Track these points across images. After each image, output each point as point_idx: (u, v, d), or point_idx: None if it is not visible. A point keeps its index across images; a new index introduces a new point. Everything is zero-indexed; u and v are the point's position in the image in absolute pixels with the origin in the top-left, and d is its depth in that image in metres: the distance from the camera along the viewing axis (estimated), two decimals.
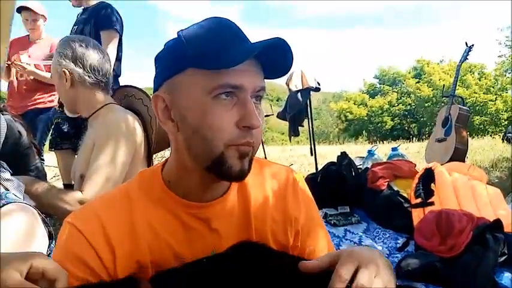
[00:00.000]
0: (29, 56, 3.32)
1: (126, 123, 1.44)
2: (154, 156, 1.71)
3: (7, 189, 1.06)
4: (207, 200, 0.78)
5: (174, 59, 0.72)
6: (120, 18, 2.73)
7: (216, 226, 0.78)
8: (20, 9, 3.28)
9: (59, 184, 2.84)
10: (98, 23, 2.67)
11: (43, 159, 3.51)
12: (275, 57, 0.71)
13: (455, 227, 1.97)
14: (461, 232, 1.94)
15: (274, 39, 0.68)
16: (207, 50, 0.69)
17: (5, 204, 1.00)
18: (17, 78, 3.34)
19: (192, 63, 0.69)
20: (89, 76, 1.45)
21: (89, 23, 2.70)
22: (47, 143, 3.46)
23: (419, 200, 2.38)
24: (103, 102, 1.50)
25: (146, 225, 0.75)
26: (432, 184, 2.46)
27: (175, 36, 0.74)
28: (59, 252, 0.73)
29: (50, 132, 3.04)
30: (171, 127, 0.74)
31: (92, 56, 1.47)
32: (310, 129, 4.19)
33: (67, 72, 1.44)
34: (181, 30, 0.74)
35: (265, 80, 0.74)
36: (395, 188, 2.63)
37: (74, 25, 2.83)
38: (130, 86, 1.63)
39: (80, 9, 2.89)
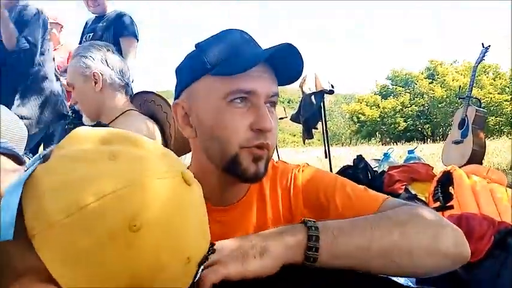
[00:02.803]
0: None
1: (146, 129, 1.45)
2: None
3: None
4: (226, 203, 0.81)
5: (192, 68, 0.77)
6: (136, 25, 2.86)
7: (235, 229, 0.79)
8: None
9: None
10: (118, 30, 2.78)
11: None
12: (286, 62, 0.74)
13: (475, 231, 1.94)
14: (482, 237, 1.91)
15: (284, 44, 0.71)
16: (220, 57, 0.74)
17: None
18: None
19: (208, 71, 0.74)
20: (118, 78, 1.47)
21: (108, 30, 2.81)
22: None
23: (437, 204, 2.35)
24: (124, 108, 1.51)
25: None
26: (451, 187, 2.43)
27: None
28: None
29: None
30: (190, 132, 0.79)
31: (117, 59, 1.50)
32: (324, 132, 4.17)
33: (97, 74, 1.45)
34: (199, 42, 0.79)
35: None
36: (413, 192, 2.61)
37: (89, 32, 2.90)
38: (149, 92, 1.64)
39: (89, 17, 3.00)
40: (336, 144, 19.03)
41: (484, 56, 3.88)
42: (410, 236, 0.66)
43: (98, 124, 1.60)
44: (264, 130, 0.72)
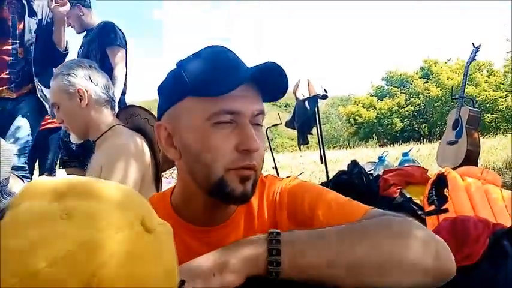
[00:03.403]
0: None
1: (134, 145, 1.45)
2: (163, 174, 1.71)
3: None
4: (213, 224, 0.79)
5: (174, 88, 0.75)
6: (123, 33, 2.84)
7: None
8: None
9: None
10: (102, 42, 2.78)
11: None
12: (271, 80, 0.72)
13: (471, 234, 1.93)
14: (478, 239, 1.90)
15: (267, 63, 0.70)
16: (203, 78, 0.72)
17: None
18: None
19: (190, 92, 0.72)
20: (102, 93, 1.47)
21: (93, 43, 2.82)
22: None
23: (432, 207, 2.34)
24: (110, 123, 1.50)
25: None
26: (446, 190, 2.42)
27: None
28: None
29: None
30: (174, 154, 0.77)
31: (101, 75, 1.50)
32: (319, 137, 4.17)
33: (82, 90, 1.44)
34: (180, 60, 0.77)
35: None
36: (408, 195, 2.60)
37: (80, 47, 2.91)
38: (136, 106, 1.64)
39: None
40: (334, 147, 19.04)
41: (475, 56, 3.89)
42: (381, 249, 0.63)
43: (87, 142, 1.59)
44: (251, 151, 0.71)
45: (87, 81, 1.44)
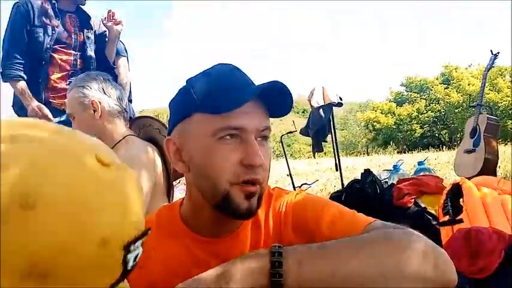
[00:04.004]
0: None
1: (146, 155, 1.48)
2: (179, 180, 1.74)
3: None
4: (220, 235, 0.82)
5: (183, 105, 0.79)
6: (122, 42, 2.89)
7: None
8: None
9: None
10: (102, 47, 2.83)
11: None
12: (276, 98, 0.75)
13: (485, 246, 1.90)
14: (492, 252, 1.87)
15: (272, 82, 0.73)
16: (210, 95, 0.74)
17: None
18: None
19: (198, 108, 0.75)
20: (115, 104, 1.52)
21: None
22: None
23: (447, 218, 2.32)
24: (123, 134, 1.54)
25: (160, 258, 0.80)
26: (461, 200, 2.39)
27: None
28: None
29: None
30: (182, 167, 0.79)
31: (114, 87, 1.55)
32: (334, 145, 4.16)
33: (96, 102, 1.49)
34: (190, 78, 0.80)
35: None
36: (423, 205, 2.58)
37: None
38: (147, 117, 1.68)
39: None
40: (352, 153, 18.87)
41: (493, 63, 3.83)
42: (381, 260, 0.65)
43: None
44: (254, 166, 0.72)
45: (101, 93, 1.49)
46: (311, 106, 4.19)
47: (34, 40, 2.44)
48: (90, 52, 2.62)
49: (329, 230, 0.77)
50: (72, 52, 2.56)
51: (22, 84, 2.42)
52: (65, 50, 2.53)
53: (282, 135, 5.36)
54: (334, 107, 4.07)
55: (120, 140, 1.52)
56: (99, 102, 1.49)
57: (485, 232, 1.98)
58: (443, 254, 0.68)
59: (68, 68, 2.55)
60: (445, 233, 2.25)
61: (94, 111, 1.49)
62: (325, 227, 0.78)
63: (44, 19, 2.46)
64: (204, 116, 0.74)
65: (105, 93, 1.50)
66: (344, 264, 0.65)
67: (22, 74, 2.42)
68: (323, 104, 4.03)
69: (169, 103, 0.84)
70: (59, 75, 2.52)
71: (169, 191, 1.61)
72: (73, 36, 2.56)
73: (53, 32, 2.48)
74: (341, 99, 4.08)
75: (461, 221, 2.23)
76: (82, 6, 2.66)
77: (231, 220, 0.80)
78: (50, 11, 2.48)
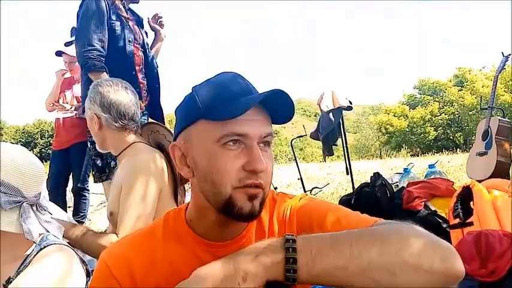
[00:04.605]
0: (73, 95, 3.57)
1: (153, 162, 1.52)
2: (187, 186, 1.77)
3: (47, 231, 1.14)
4: (225, 239, 0.84)
5: (188, 112, 0.81)
6: None
7: None
8: (60, 53, 3.54)
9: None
10: None
11: (88, 189, 3.71)
12: (278, 105, 0.78)
13: (495, 249, 1.89)
14: (503, 255, 1.86)
15: (274, 90, 0.75)
16: (214, 102, 0.77)
17: (46, 246, 1.09)
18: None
19: (202, 115, 0.77)
20: (115, 121, 1.54)
21: None
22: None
23: (457, 220, 2.31)
24: (130, 141, 1.59)
25: (166, 261, 0.82)
26: (471, 203, 2.38)
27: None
28: (91, 285, 0.85)
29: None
30: (187, 172, 0.82)
31: (119, 101, 1.55)
32: (344, 148, 4.16)
33: (95, 117, 1.55)
34: (195, 85, 0.83)
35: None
36: (433, 208, 2.56)
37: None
38: (155, 123, 1.73)
39: None
40: (365, 156, 18.75)
41: (504, 65, 3.79)
42: (391, 252, 0.67)
43: (109, 153, 1.69)
44: (256, 171, 0.75)
45: (99, 107, 1.54)
46: (321, 110, 4.20)
47: (113, 33, 2.40)
48: (149, 51, 2.62)
49: (334, 230, 0.79)
50: (140, 49, 2.55)
51: (105, 77, 2.32)
52: (136, 45, 2.52)
53: (292, 139, 5.38)
54: (344, 111, 4.08)
55: (127, 147, 1.57)
56: (98, 118, 1.55)
57: (496, 235, 1.97)
58: (449, 248, 0.71)
59: (140, 63, 2.53)
60: (455, 236, 2.24)
61: (95, 122, 1.56)
62: (330, 228, 0.80)
63: (120, 12, 2.45)
64: (209, 123, 0.76)
65: (104, 109, 1.53)
66: (358, 257, 0.67)
67: (103, 65, 2.34)
68: (333, 108, 4.04)
69: (176, 110, 0.86)
70: (137, 68, 2.51)
71: (176, 194, 1.64)
72: (139, 33, 2.57)
73: (128, 25, 2.47)
74: (351, 102, 4.09)
75: (471, 223, 2.22)
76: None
77: (236, 224, 0.82)
78: (121, 5, 2.47)
